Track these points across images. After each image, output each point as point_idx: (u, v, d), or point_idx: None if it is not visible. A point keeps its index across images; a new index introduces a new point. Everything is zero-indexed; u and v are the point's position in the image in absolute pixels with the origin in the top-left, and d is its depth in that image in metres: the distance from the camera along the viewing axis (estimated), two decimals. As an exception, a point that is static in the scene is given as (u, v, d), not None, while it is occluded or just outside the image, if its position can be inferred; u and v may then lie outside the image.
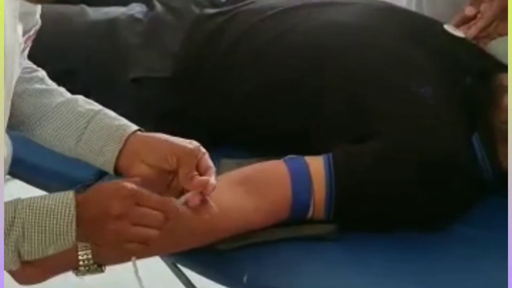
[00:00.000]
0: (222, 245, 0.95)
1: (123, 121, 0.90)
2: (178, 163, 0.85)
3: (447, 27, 1.19)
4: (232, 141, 1.15)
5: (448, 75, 1.08)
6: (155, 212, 0.79)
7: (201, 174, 0.84)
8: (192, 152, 0.85)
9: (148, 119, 1.12)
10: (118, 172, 0.88)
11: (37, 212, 0.76)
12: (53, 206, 0.76)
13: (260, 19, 1.18)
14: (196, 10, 1.22)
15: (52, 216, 0.76)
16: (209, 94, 1.15)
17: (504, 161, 1.04)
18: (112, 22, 1.20)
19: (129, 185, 0.79)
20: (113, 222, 0.77)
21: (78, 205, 0.77)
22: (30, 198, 0.78)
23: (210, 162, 0.86)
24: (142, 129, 0.90)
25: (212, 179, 0.83)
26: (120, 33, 1.19)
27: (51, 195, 0.79)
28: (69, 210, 0.76)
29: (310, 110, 1.09)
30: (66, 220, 0.76)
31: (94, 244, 0.83)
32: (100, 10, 1.23)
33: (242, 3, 1.24)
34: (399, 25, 1.16)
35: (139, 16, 1.22)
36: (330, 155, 1.00)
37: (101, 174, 1.07)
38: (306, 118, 1.09)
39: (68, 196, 0.77)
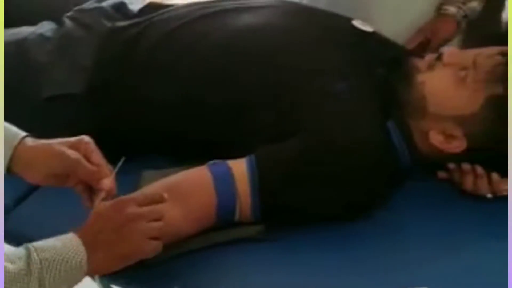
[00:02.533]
0: (152, 259, 0.95)
1: (13, 129, 0.93)
2: (67, 167, 0.91)
3: (356, 23, 1.23)
4: (155, 151, 1.15)
5: (361, 69, 1.12)
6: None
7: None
8: (73, 160, 0.91)
9: (65, 135, 1.12)
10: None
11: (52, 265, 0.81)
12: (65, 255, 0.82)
13: (174, 28, 1.18)
14: (108, 24, 1.22)
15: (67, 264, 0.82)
16: (126, 106, 1.15)
17: (419, 142, 1.09)
18: (21, 43, 1.18)
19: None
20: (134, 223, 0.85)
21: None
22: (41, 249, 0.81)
23: (100, 159, 0.93)
24: (29, 134, 0.93)
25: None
26: (30, 53, 1.17)
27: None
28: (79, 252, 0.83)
29: (229, 117, 1.10)
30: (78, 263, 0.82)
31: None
32: (8, 32, 1.20)
33: (154, 14, 1.24)
34: (312, 25, 1.18)
35: (49, 34, 1.20)
36: (253, 156, 1.01)
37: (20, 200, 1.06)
38: (225, 124, 1.10)
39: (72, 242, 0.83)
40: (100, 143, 1.11)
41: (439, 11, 1.47)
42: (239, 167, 1.00)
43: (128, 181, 1.03)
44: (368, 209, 1.05)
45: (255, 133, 1.07)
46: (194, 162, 1.05)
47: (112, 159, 1.10)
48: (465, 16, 1.46)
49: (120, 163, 0.96)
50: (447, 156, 1.08)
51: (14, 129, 0.94)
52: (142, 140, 1.16)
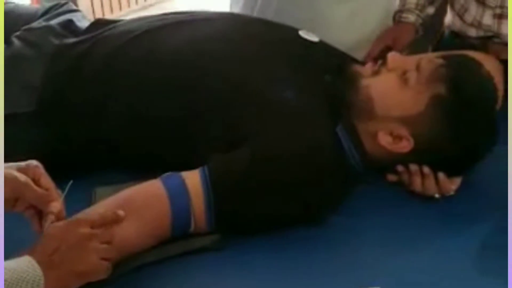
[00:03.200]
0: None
1: None
2: (16, 191, 0.91)
3: (302, 33, 1.25)
4: (108, 167, 1.15)
5: (307, 77, 1.15)
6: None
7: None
8: (21, 183, 0.91)
9: (17, 155, 1.11)
10: None
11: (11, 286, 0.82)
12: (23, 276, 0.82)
13: (123, 42, 1.19)
14: (55, 41, 1.22)
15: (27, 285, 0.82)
16: (76, 121, 1.15)
17: (368, 144, 1.12)
18: None
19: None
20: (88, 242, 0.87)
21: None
22: None
23: (48, 183, 0.93)
24: None
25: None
26: None
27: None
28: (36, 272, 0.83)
29: (177, 129, 1.11)
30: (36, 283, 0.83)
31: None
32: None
33: (101, 30, 1.24)
34: (258, 36, 1.20)
35: None
36: (205, 167, 1.02)
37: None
38: (173, 137, 1.11)
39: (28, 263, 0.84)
40: (51, 159, 1.12)
41: (399, 19, 1.52)
42: (193, 178, 1.01)
43: (81, 199, 1.04)
44: (321, 214, 1.07)
45: (205, 145, 1.08)
46: (147, 176, 1.05)
47: (64, 176, 1.11)
48: (422, 23, 1.51)
49: (68, 186, 0.97)
50: (396, 158, 1.11)
51: None
52: (93, 156, 1.16)
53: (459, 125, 1.06)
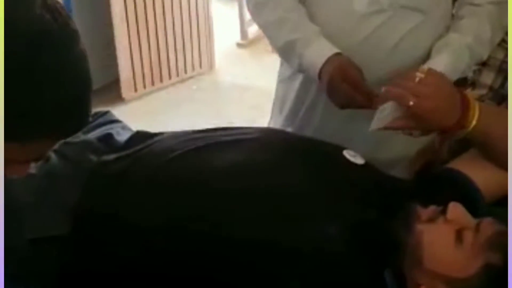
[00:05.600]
0: None
1: None
2: None
3: (347, 154, 1.20)
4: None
5: (354, 208, 1.09)
6: None
7: None
8: None
9: (50, 275, 1.08)
10: None
11: None
12: None
13: (161, 163, 1.16)
14: (94, 158, 1.20)
15: None
16: (112, 242, 1.11)
17: None
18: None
19: None
20: None
21: None
22: None
23: None
24: None
25: None
26: (12, 192, 1.13)
27: None
28: None
29: (215, 256, 1.07)
30: None
31: None
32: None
33: (141, 146, 1.22)
34: (301, 161, 1.16)
35: (33, 170, 1.17)
36: None
37: None
38: (211, 261, 1.07)
39: None
40: (83, 279, 1.08)
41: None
42: None
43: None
44: None
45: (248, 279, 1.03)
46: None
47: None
48: None
49: None
50: None
51: None
52: (125, 274, 1.12)
53: None
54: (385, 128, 1.06)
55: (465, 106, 1.01)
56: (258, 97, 3.48)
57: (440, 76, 1.03)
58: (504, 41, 1.41)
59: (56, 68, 0.69)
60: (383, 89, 1.05)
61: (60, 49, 0.70)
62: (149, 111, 3.59)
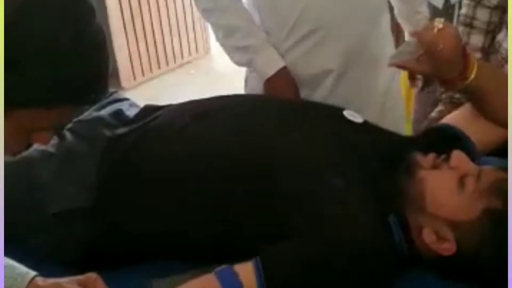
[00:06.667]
0: None
1: (22, 268, 0.97)
2: None
3: (347, 114, 1.26)
4: (162, 256, 1.17)
5: (358, 163, 1.15)
6: None
7: None
8: None
9: (71, 249, 1.14)
10: None
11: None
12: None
13: (174, 130, 1.22)
14: (107, 133, 1.25)
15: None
16: (131, 215, 1.17)
17: (414, 236, 1.11)
18: (25, 161, 1.21)
19: None
20: None
21: None
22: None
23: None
24: (38, 274, 0.98)
25: None
26: (34, 172, 1.20)
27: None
28: None
29: (228, 213, 1.13)
30: None
31: None
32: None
33: (150, 118, 1.28)
34: (305, 119, 1.22)
35: (52, 150, 1.23)
36: (258, 260, 1.03)
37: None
38: (225, 220, 1.13)
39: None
40: (103, 252, 1.14)
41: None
42: (247, 273, 1.02)
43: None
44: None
45: (257, 234, 1.09)
46: (199, 267, 1.07)
47: (118, 266, 1.12)
48: None
49: None
50: (434, 257, 1.09)
51: (23, 268, 0.97)
52: (146, 245, 1.18)
53: (506, 241, 1.00)
54: (398, 65, 1.15)
55: (466, 59, 1.08)
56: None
57: (454, 28, 1.11)
58: None
59: (82, 39, 0.76)
60: (413, 33, 1.13)
61: (86, 20, 0.77)
62: (149, 98, 3.63)
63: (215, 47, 4.31)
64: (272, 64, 1.52)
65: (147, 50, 3.86)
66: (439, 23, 1.07)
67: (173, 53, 4.03)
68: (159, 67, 3.97)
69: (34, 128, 0.80)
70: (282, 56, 1.53)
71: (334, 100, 1.44)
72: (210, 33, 4.36)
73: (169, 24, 3.95)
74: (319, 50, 1.51)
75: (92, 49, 0.78)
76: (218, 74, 3.96)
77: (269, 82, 1.53)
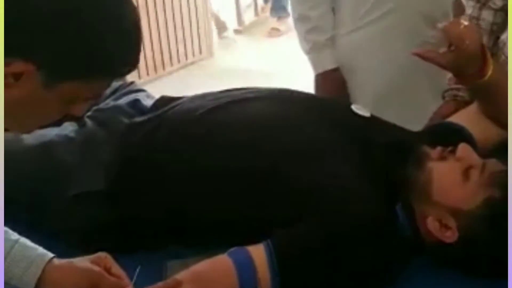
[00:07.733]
0: None
1: (39, 250, 1.03)
2: (92, 281, 1.02)
3: (354, 108, 1.32)
4: (177, 241, 1.22)
5: (363, 153, 1.21)
6: None
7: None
8: (97, 273, 1.02)
9: (87, 232, 1.19)
10: None
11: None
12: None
13: (187, 121, 1.27)
14: (125, 120, 1.31)
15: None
16: (149, 199, 1.22)
17: (418, 224, 1.17)
18: (47, 145, 1.27)
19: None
20: None
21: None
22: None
23: (119, 271, 1.05)
24: (55, 256, 1.04)
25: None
26: (56, 155, 1.25)
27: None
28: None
29: (242, 198, 1.18)
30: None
31: None
32: (34, 133, 1.28)
33: (167, 107, 1.33)
34: (315, 112, 1.28)
35: (72, 135, 1.29)
36: (269, 242, 1.08)
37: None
38: (238, 206, 1.19)
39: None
40: (120, 235, 1.19)
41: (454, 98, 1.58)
42: (259, 254, 1.07)
43: (152, 272, 1.12)
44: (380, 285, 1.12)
45: (270, 216, 1.15)
46: (213, 249, 1.12)
47: (133, 249, 1.18)
48: None
49: (136, 272, 1.06)
50: (436, 244, 1.15)
51: (40, 249, 1.03)
52: (161, 231, 1.23)
53: (503, 229, 1.06)
54: (422, 55, 1.23)
55: (485, 57, 1.15)
56: (256, 79, 3.61)
57: (477, 26, 1.18)
58: (491, 1, 1.52)
59: (123, 16, 0.84)
60: (441, 26, 1.20)
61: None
62: (153, 97, 3.69)
63: (219, 49, 4.39)
64: (323, 64, 1.75)
65: (152, 50, 3.91)
66: (464, 20, 1.14)
67: (177, 54, 4.08)
68: (163, 68, 4.02)
69: (73, 100, 0.87)
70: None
71: None
72: (214, 34, 4.45)
73: (173, 25, 4.00)
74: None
75: (131, 25, 0.85)
76: (221, 75, 4.01)
77: (317, 77, 1.77)
